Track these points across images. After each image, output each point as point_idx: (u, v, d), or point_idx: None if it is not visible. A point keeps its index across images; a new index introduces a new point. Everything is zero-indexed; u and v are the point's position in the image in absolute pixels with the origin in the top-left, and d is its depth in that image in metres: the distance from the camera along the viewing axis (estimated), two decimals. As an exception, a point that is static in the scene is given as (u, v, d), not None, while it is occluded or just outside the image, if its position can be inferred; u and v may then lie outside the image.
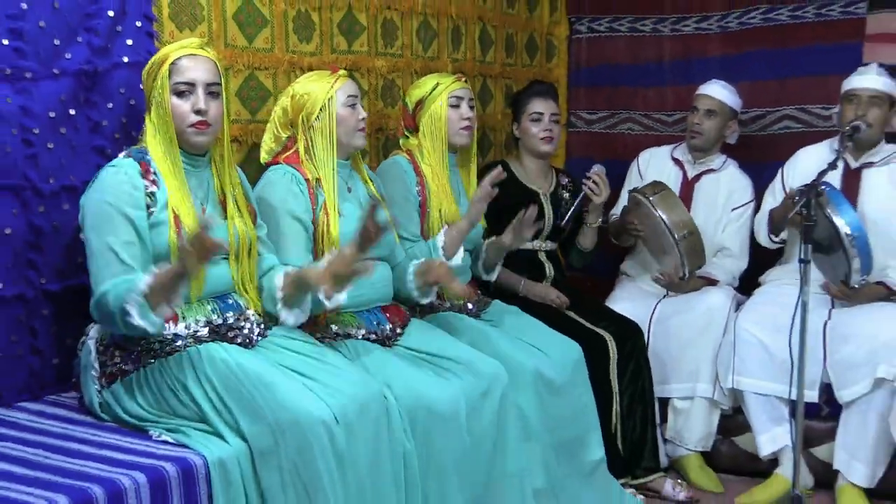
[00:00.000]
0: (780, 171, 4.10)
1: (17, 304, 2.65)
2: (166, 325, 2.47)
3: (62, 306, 2.75)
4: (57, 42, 2.70)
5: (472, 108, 3.50)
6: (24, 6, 2.61)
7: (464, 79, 3.54)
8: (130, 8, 2.87)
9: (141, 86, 2.69)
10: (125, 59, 2.87)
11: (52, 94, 2.69)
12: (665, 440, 3.90)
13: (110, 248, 2.45)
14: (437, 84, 3.45)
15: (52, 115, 2.69)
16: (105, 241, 2.45)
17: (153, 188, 2.54)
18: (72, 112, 2.74)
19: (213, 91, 2.62)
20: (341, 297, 2.67)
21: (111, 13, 2.81)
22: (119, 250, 2.44)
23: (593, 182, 3.89)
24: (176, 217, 2.55)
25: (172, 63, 2.59)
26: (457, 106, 3.44)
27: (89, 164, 2.76)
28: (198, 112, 2.58)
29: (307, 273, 2.66)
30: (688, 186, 4.20)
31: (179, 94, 2.58)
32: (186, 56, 2.60)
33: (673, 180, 4.13)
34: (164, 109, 2.58)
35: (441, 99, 3.42)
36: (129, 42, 2.88)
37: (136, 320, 2.33)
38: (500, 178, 3.25)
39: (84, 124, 2.79)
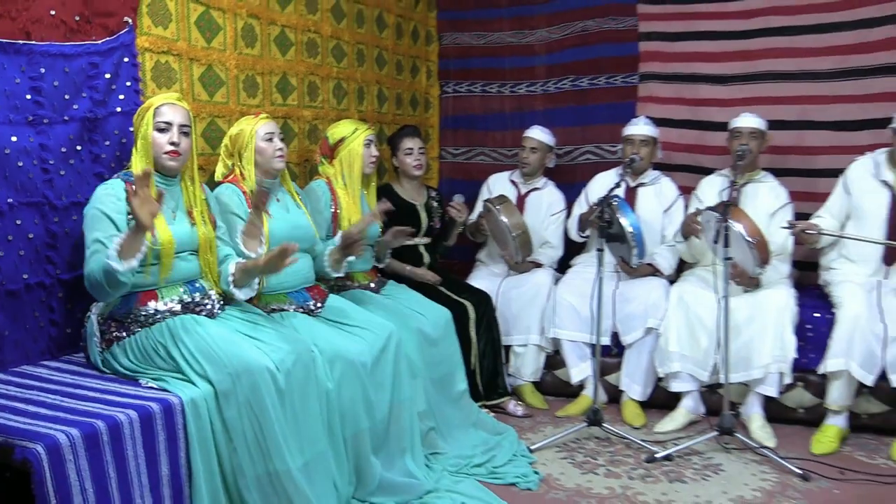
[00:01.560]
0: (584, 188, 4.19)
1: (38, 289, 2.55)
2: (148, 303, 2.42)
3: (72, 290, 2.63)
4: (67, 97, 2.59)
5: (377, 147, 3.46)
6: (42, 70, 2.50)
7: (372, 127, 3.48)
8: (122, 72, 2.77)
9: (130, 127, 2.59)
10: (118, 109, 2.75)
11: (64, 134, 2.58)
12: (509, 374, 3.93)
13: (98, 240, 2.35)
14: (356, 129, 3.38)
15: (63, 150, 2.58)
16: (95, 236, 2.36)
17: None
18: (78, 148, 2.63)
19: (184, 131, 2.54)
20: (248, 293, 2.63)
21: (108, 75, 2.71)
22: (105, 241, 2.34)
23: (455, 209, 3.89)
24: None
25: (157, 108, 2.51)
26: (368, 146, 3.39)
27: (91, 186, 2.62)
28: (172, 143, 2.50)
29: (253, 263, 2.59)
30: (521, 200, 4.25)
31: (160, 130, 2.50)
32: (167, 104, 2.53)
33: (511, 196, 4.16)
34: (146, 141, 2.49)
35: (359, 140, 3.35)
36: (122, 97, 2.77)
37: (115, 265, 2.24)
38: (386, 208, 3.22)
39: (87, 157, 2.67)
